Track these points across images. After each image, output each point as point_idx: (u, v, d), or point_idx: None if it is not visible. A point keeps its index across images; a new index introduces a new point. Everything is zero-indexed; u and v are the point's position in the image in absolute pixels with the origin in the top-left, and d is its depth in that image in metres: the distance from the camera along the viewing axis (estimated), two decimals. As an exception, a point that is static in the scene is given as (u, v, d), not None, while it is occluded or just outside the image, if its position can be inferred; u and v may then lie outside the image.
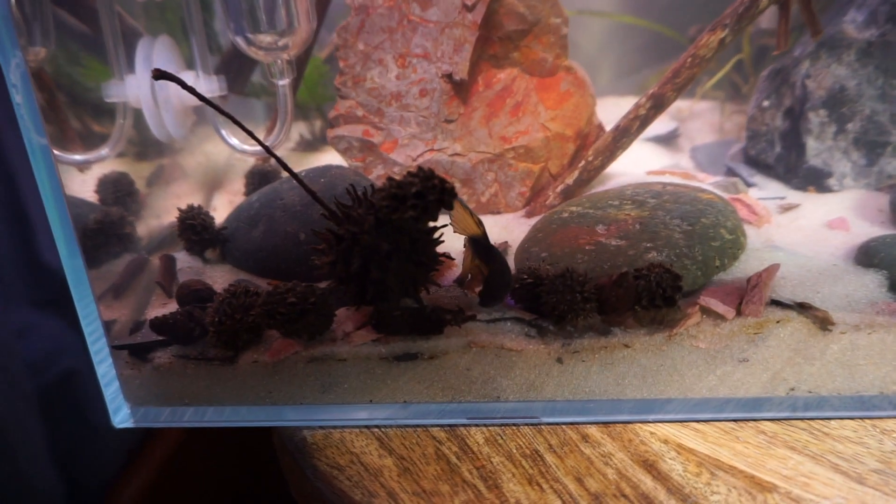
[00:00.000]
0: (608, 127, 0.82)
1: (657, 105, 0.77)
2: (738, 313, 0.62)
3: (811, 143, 0.77)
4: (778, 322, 0.61)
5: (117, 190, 0.76)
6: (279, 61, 0.73)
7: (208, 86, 0.75)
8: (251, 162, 0.89)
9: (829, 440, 0.61)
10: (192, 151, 0.91)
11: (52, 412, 1.11)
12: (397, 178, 0.59)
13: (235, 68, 0.84)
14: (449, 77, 0.78)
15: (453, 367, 0.64)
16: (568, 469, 0.59)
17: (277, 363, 0.64)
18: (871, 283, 0.64)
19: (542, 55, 0.80)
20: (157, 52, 0.72)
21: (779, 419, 0.63)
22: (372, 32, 0.77)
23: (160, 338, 0.65)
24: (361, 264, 0.61)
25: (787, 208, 0.77)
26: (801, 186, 0.80)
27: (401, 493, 0.58)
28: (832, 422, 0.63)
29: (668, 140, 0.97)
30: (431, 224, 0.62)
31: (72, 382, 1.12)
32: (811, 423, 0.63)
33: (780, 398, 0.64)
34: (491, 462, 0.60)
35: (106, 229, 0.69)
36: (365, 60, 0.79)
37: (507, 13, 0.77)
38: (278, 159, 0.59)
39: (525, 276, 0.64)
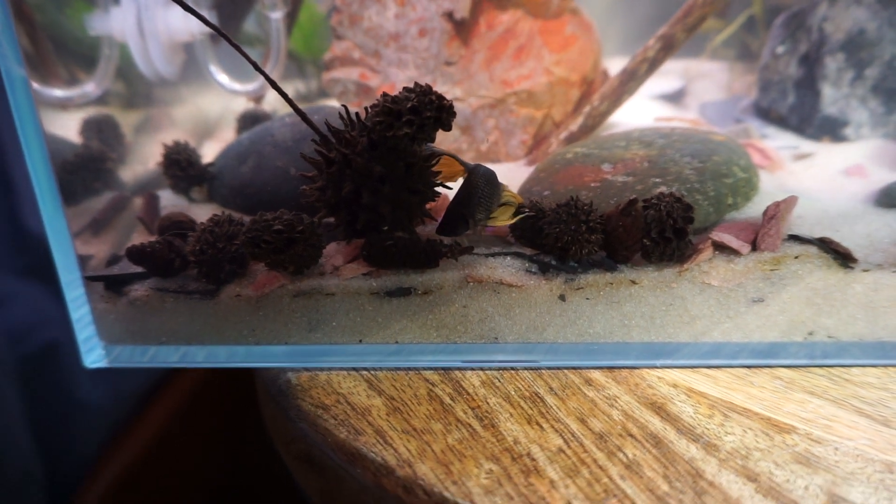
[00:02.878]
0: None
1: (667, 46, 0.73)
2: (754, 248, 0.58)
3: (827, 91, 0.74)
4: (796, 257, 0.57)
5: (101, 132, 0.73)
6: (272, -8, 0.70)
7: (197, 21, 0.72)
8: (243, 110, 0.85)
9: (851, 386, 0.57)
10: (183, 102, 0.88)
11: (31, 384, 1.07)
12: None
13: (228, 12, 0.81)
14: (450, 16, 0.75)
15: (448, 303, 0.60)
16: (570, 410, 0.55)
17: (262, 297, 0.60)
18: (894, 222, 0.60)
19: (546, -4, 0.77)
20: (143, -21, 0.69)
21: (796, 366, 0.59)
22: (370, -33, 0.74)
23: (137, 269, 0.61)
24: (353, 189, 0.57)
25: (801, 156, 0.73)
26: (816, 137, 0.76)
27: (389, 430, 0.54)
28: (853, 369, 0.59)
29: (675, 98, 0.94)
30: (429, 151, 0.59)
31: (53, 355, 1.08)
32: (830, 370, 0.59)
33: (797, 344, 0.60)
34: (487, 403, 0.56)
35: (86, 164, 0.66)
36: (362, -2, 0.76)
37: (511, -51, 0.74)
38: (266, 77, 0.56)
39: (527, 209, 0.60)
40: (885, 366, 0.59)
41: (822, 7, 0.74)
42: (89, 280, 0.61)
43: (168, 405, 1.35)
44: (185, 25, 0.72)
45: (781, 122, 0.80)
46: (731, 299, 0.58)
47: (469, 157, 0.81)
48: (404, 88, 0.55)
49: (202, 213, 0.69)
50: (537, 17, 0.78)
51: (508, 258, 0.60)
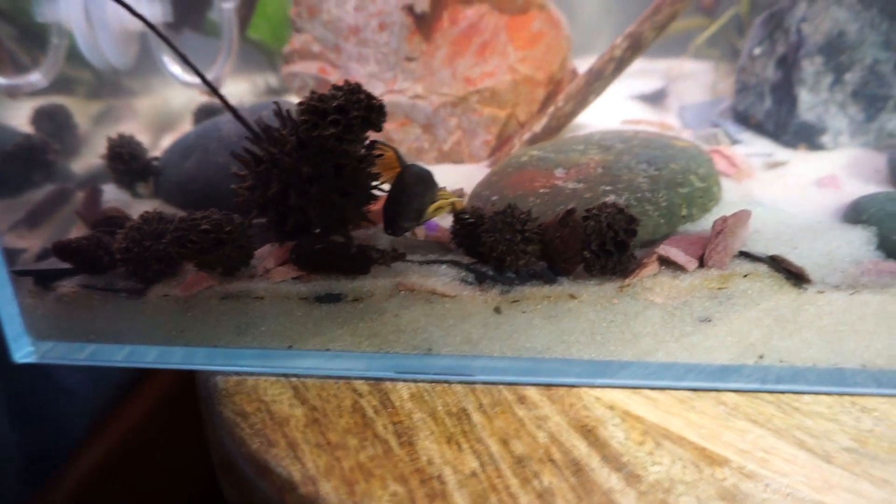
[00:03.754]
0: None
1: (634, 45, 0.69)
2: (701, 265, 0.55)
3: (804, 96, 0.69)
4: (745, 276, 0.54)
5: (53, 122, 0.72)
6: (222, -19, 0.68)
7: (150, 10, 0.70)
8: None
9: (799, 415, 0.53)
10: (150, 93, 0.86)
11: (10, 370, 1.08)
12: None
13: (190, 1, 0.79)
14: (410, 9, 0.72)
15: (380, 312, 0.58)
16: (495, 430, 0.52)
17: (190, 298, 0.58)
18: (857, 239, 0.56)
19: (512, -9, 0.74)
20: (91, -34, 0.67)
21: (746, 391, 0.56)
22: (327, -43, 0.71)
23: (66, 265, 0.59)
24: (280, 189, 0.55)
25: (774, 164, 0.69)
26: (792, 144, 0.72)
27: (302, 443, 0.52)
28: (805, 396, 0.55)
29: (655, 99, 0.90)
30: (364, 152, 0.56)
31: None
32: (780, 396, 0.55)
33: (748, 368, 0.56)
34: (411, 418, 0.54)
35: (27, 155, 0.65)
36: (320, -11, 0.73)
37: (474, -60, 0.71)
38: (197, 71, 0.54)
39: (466, 216, 0.58)
40: (839, 394, 0.55)
41: (800, 7, 0.69)
42: (16, 274, 0.60)
43: (149, 396, 1.34)
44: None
45: (758, 127, 0.76)
46: (677, 318, 0.55)
47: (431, 157, 0.78)
48: (333, 86, 0.52)
49: (144, 207, 0.67)
50: (503, 12, 0.75)
51: (444, 266, 0.57)
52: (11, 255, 0.62)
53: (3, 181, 0.62)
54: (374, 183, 0.57)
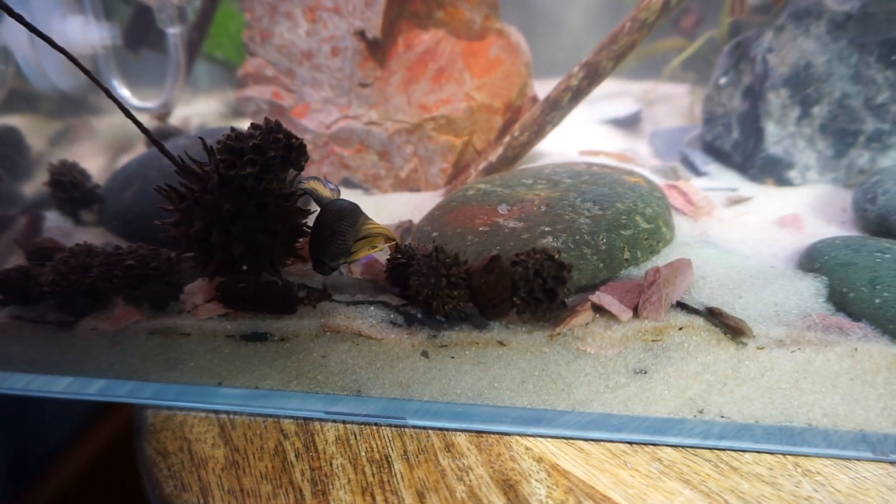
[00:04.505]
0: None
1: (591, 75, 0.67)
2: (636, 315, 0.52)
3: (771, 129, 0.66)
4: (680, 329, 0.51)
5: (3, 145, 0.71)
6: (168, 6, 0.67)
7: (98, 33, 0.69)
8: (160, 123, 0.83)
9: (735, 476, 0.50)
10: (108, 112, 0.86)
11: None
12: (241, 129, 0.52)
13: (146, 21, 0.78)
14: (362, 35, 0.70)
15: (306, 351, 0.56)
16: (414, 481, 0.50)
17: (118, 332, 0.57)
18: (807, 290, 0.53)
19: (469, 15, 0.72)
20: (38, -10, 0.66)
21: (685, 446, 0.53)
22: (278, -19, 0.70)
23: (-4, 297, 0.59)
24: (203, 227, 0.53)
25: (736, 200, 0.66)
26: (759, 178, 0.69)
27: (216, 489, 0.50)
28: (746, 454, 0.52)
29: (629, 123, 0.87)
30: (290, 190, 0.55)
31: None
32: (720, 453, 0.52)
33: (688, 422, 0.54)
34: (331, 464, 0.52)
35: (-33, 179, 0.64)
36: (272, 13, 0.72)
37: (427, -35, 0.69)
38: (109, 94, 0.52)
39: (399, 256, 0.56)
40: (784, 454, 0.52)
41: (766, 37, 0.66)
42: (-52, 304, 0.59)
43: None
44: (85, 38, 0.69)
45: (725, 158, 0.73)
46: (611, 369, 0.53)
47: (388, 184, 0.77)
48: (251, 125, 0.51)
49: (85, 236, 0.67)
50: (460, 37, 0.73)
51: (372, 308, 0.56)
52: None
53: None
54: (303, 220, 0.56)
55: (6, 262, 0.64)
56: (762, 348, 0.50)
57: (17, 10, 0.63)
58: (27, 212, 0.69)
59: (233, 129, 0.51)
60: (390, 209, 0.72)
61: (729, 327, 0.50)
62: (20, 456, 1.25)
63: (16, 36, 0.66)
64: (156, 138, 0.52)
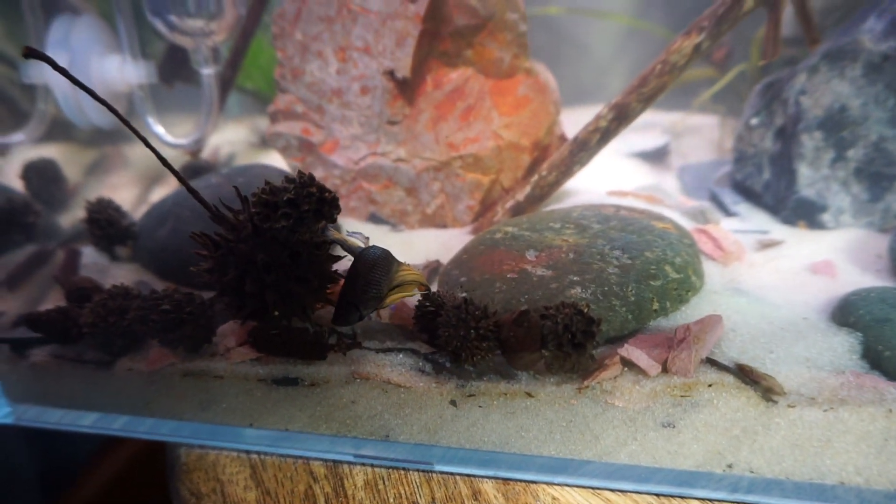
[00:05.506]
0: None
1: (620, 116, 0.67)
2: (665, 370, 0.52)
3: (804, 171, 0.65)
4: (710, 386, 0.51)
5: (42, 177, 0.73)
6: (203, 48, 0.68)
7: (135, 72, 0.71)
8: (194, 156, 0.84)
9: (765, 534, 0.50)
10: (138, 150, 0.88)
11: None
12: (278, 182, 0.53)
13: (181, 58, 0.80)
14: (391, 74, 0.71)
15: (336, 397, 0.57)
16: (441, 531, 0.51)
17: (153, 373, 0.59)
18: (840, 346, 0.53)
19: (498, 54, 0.72)
20: (77, 32, 0.68)
21: (712, 500, 0.53)
22: (310, 21, 0.71)
23: (37, 334, 0.61)
24: (237, 275, 0.54)
25: (768, 244, 0.65)
26: (791, 220, 0.68)
27: (248, 536, 0.51)
28: (777, 510, 0.52)
29: (656, 157, 0.86)
30: (322, 238, 0.56)
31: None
32: (749, 508, 0.52)
33: (717, 476, 0.53)
34: (360, 512, 0.53)
35: (7, 217, 0.66)
36: (303, 52, 0.73)
37: (457, 6, 0.69)
38: (142, 138, 0.54)
39: (427, 304, 0.56)
40: (815, 511, 0.52)
41: (799, 78, 0.65)
42: (-8, 342, 0.61)
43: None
44: (122, 77, 0.71)
45: (756, 198, 0.72)
46: (639, 422, 0.53)
47: (414, 220, 0.77)
48: (286, 178, 0.52)
49: (121, 272, 0.68)
50: (488, 76, 0.73)
51: (401, 355, 0.56)
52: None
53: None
54: (334, 267, 0.57)
55: (45, 297, 0.66)
56: (793, 406, 0.50)
57: (58, 48, 0.65)
58: (64, 245, 0.70)
59: (267, 183, 0.52)
60: (417, 246, 0.72)
61: (759, 384, 0.50)
62: (51, 467, 1.28)
63: (55, 75, 0.67)
64: (193, 188, 0.53)
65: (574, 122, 0.82)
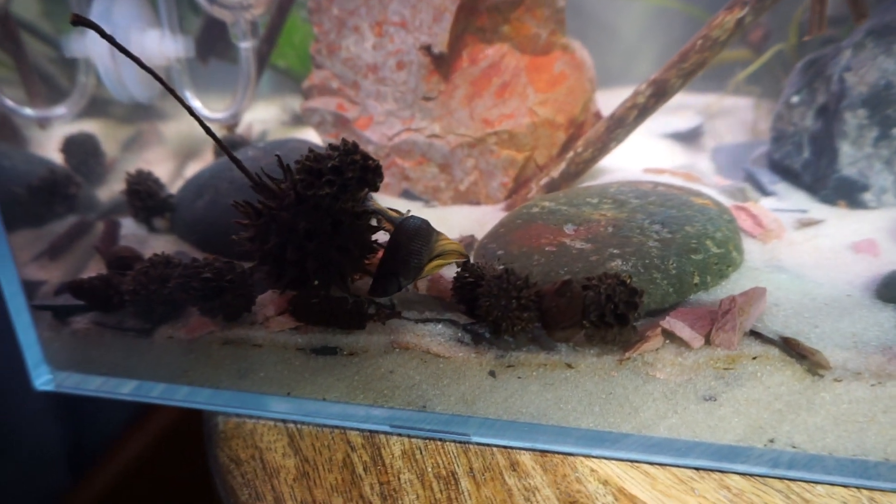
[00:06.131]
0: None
1: (658, 93, 0.66)
2: (708, 342, 0.52)
3: (846, 149, 0.65)
4: (754, 358, 0.50)
5: (81, 151, 0.74)
6: (242, 21, 0.68)
7: (173, 46, 0.72)
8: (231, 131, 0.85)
9: (808, 508, 0.50)
10: (176, 118, 0.88)
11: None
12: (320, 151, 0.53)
13: (217, 33, 0.80)
14: (428, 49, 0.71)
15: (374, 367, 0.57)
16: (481, 499, 0.51)
17: (193, 341, 0.59)
18: (888, 321, 0.52)
19: (535, 30, 0.72)
20: (119, 6, 0.69)
21: (752, 475, 0.53)
22: (347, -4, 0.71)
23: (80, 302, 0.62)
24: (278, 243, 0.55)
25: (807, 223, 0.65)
26: (831, 200, 0.67)
27: (289, 499, 0.52)
28: (818, 486, 0.52)
29: (689, 138, 0.86)
30: (364, 208, 0.56)
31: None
32: (790, 483, 0.52)
33: (758, 450, 0.53)
34: (398, 479, 0.53)
35: (50, 188, 0.67)
36: (340, 27, 0.73)
37: (495, -20, 0.69)
38: (200, 121, 0.54)
39: (467, 275, 0.56)
40: (858, 487, 0.51)
41: (844, 55, 0.64)
42: (35, 308, 0.62)
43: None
44: (161, 50, 0.71)
45: (795, 178, 0.71)
46: (679, 394, 0.52)
47: (447, 196, 0.77)
48: (329, 145, 0.52)
49: (158, 243, 0.69)
50: (525, 52, 0.73)
51: (440, 325, 0.56)
52: (34, 287, 0.64)
53: (31, 214, 0.64)
54: (373, 237, 0.57)
55: (86, 267, 0.67)
56: (839, 380, 0.49)
57: (100, 22, 0.65)
58: (104, 217, 0.71)
59: (311, 150, 0.52)
60: (451, 222, 0.72)
61: (805, 358, 0.50)
62: (78, 443, 1.30)
63: (97, 48, 0.68)
64: (235, 157, 0.54)
65: (602, 104, 0.82)
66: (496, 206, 0.75)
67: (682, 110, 0.89)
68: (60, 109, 0.72)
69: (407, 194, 0.78)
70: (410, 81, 0.73)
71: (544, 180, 0.72)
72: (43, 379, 0.65)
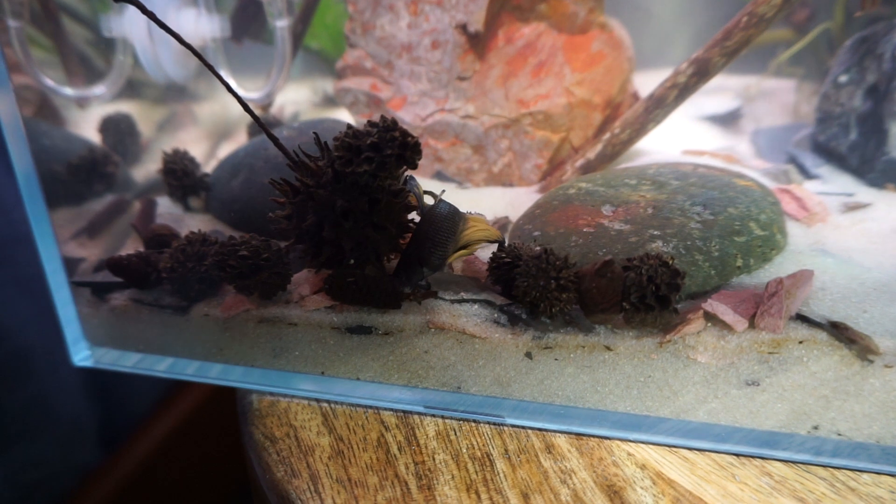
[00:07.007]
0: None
1: (700, 72, 0.65)
2: (751, 326, 0.50)
3: (896, 131, 0.62)
4: (801, 343, 0.49)
5: (118, 131, 0.75)
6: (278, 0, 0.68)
7: (209, 26, 0.72)
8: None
9: (853, 497, 0.48)
10: (210, 99, 0.89)
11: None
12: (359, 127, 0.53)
13: (252, 12, 0.80)
14: (463, 28, 0.70)
15: (410, 346, 0.57)
16: (517, 481, 0.51)
17: (228, 319, 0.60)
18: (940, 307, 0.50)
19: (572, 8, 0.70)
20: (156, -16, 0.69)
21: (794, 462, 0.52)
22: (382, -26, 0.70)
23: (118, 279, 0.62)
24: (315, 221, 0.55)
25: (853, 207, 0.63)
26: (879, 183, 0.65)
27: (324, 477, 0.52)
28: (864, 475, 0.50)
29: (727, 120, 0.83)
30: (401, 186, 0.55)
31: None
32: (835, 472, 0.51)
33: (800, 437, 0.52)
34: (433, 459, 0.53)
35: (88, 166, 0.68)
36: (375, 6, 0.72)
37: (533, -43, 0.67)
38: (240, 99, 0.54)
39: (503, 255, 0.56)
40: (906, 476, 0.50)
41: (897, 33, 0.62)
42: (75, 285, 0.63)
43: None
44: (197, 30, 0.72)
45: (840, 160, 0.69)
46: (721, 379, 0.51)
47: (480, 178, 0.77)
48: (368, 122, 0.52)
49: (194, 222, 0.69)
50: (562, 31, 0.71)
51: (476, 306, 0.56)
52: (73, 264, 0.65)
53: (71, 192, 0.65)
54: (409, 216, 0.56)
55: (123, 244, 0.68)
56: (890, 367, 0.48)
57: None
58: (141, 196, 0.72)
59: (350, 127, 0.52)
60: (484, 204, 0.72)
61: (854, 343, 0.48)
62: (109, 421, 1.32)
63: (135, 28, 0.68)
64: (273, 134, 0.54)
65: (637, 86, 0.80)
66: (530, 189, 0.74)
67: (719, 92, 0.87)
68: (99, 89, 0.72)
69: (440, 176, 0.77)
70: (445, 61, 0.72)
71: (580, 162, 0.71)
72: (82, 355, 0.66)
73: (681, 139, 0.78)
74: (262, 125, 0.54)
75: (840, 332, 0.49)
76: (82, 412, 1.25)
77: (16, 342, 1.09)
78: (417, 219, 0.56)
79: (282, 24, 0.69)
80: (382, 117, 0.51)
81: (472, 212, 0.57)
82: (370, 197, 0.53)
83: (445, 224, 0.53)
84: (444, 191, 0.58)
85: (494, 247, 0.57)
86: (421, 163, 0.78)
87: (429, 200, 0.57)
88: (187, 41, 0.69)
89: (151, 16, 0.52)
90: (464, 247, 0.56)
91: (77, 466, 1.25)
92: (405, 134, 0.51)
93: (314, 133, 0.55)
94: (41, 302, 1.06)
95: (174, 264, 0.59)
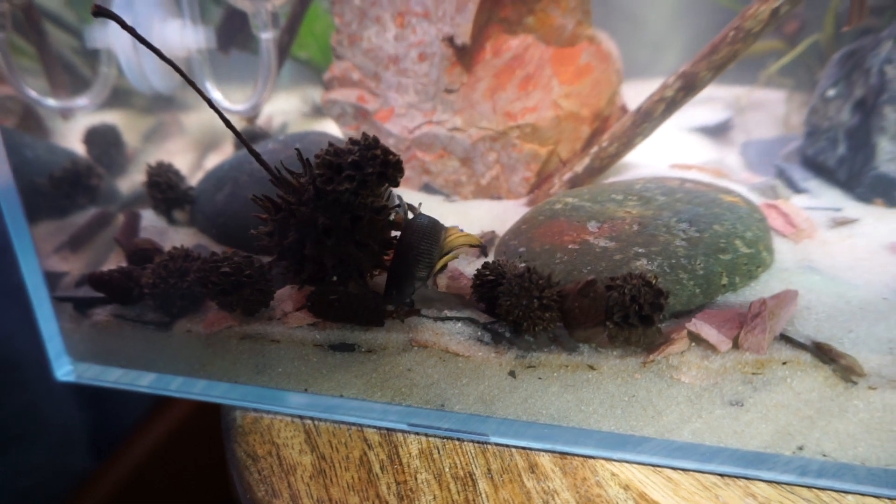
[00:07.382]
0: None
1: (687, 86, 0.64)
2: (736, 346, 0.50)
3: (884, 145, 0.62)
4: (784, 363, 0.49)
5: (103, 142, 0.74)
6: (263, 11, 0.67)
7: (194, 37, 0.71)
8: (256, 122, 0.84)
9: (837, 519, 0.48)
10: (197, 109, 0.88)
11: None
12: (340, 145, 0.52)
13: (238, 23, 0.80)
14: (450, 41, 0.70)
15: (393, 364, 0.56)
16: (499, 501, 0.50)
17: (211, 336, 0.59)
18: (925, 327, 0.50)
19: (560, 21, 0.70)
20: (140, -4, 0.68)
21: (779, 482, 0.51)
22: (368, -14, 0.70)
23: (100, 294, 0.62)
24: (297, 238, 0.54)
25: (841, 222, 0.62)
26: (867, 198, 0.65)
27: (305, 497, 0.52)
28: (848, 496, 0.50)
29: (717, 132, 0.83)
30: (384, 203, 0.55)
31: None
32: (819, 493, 0.50)
33: (785, 458, 0.51)
34: (415, 479, 0.53)
35: (72, 179, 0.67)
36: (361, 18, 0.72)
37: (520, -31, 0.67)
38: (217, 111, 0.54)
39: (487, 273, 0.55)
40: (891, 498, 0.50)
41: (884, 46, 0.61)
42: (56, 300, 0.62)
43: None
44: (182, 41, 0.71)
45: (828, 175, 0.69)
46: (705, 399, 0.51)
47: (468, 191, 0.76)
48: (350, 140, 0.51)
49: (178, 236, 0.69)
50: (549, 43, 0.71)
51: (459, 324, 0.55)
52: (55, 278, 0.65)
53: (53, 205, 0.65)
54: (393, 233, 0.56)
55: (106, 258, 0.67)
56: (874, 388, 0.48)
57: (122, 11, 0.65)
58: (125, 209, 0.71)
59: (331, 145, 0.52)
60: (472, 217, 0.71)
61: (838, 364, 0.48)
62: (101, 429, 1.32)
63: (119, 39, 0.68)
64: (259, 155, 0.53)
65: (627, 97, 0.80)
66: (518, 202, 0.74)
67: (710, 103, 0.87)
68: (83, 100, 0.72)
69: (427, 188, 0.77)
70: (432, 73, 0.71)
71: (567, 175, 0.70)
72: (64, 370, 0.65)
73: (670, 151, 0.78)
74: (244, 141, 0.54)
75: (824, 352, 0.48)
76: (74, 419, 1.25)
77: (6, 350, 1.08)
78: (398, 235, 0.56)
79: (267, 37, 0.68)
80: (364, 134, 0.51)
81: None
82: (352, 214, 0.53)
83: (428, 234, 0.52)
84: (420, 203, 0.58)
85: (479, 263, 0.57)
86: (409, 175, 0.78)
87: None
88: (171, 53, 0.69)
89: (131, 30, 0.52)
90: (447, 253, 0.56)
91: (69, 474, 1.24)
92: (386, 152, 0.50)
93: (296, 149, 0.55)
94: (31, 310, 1.05)
95: (156, 280, 0.58)
